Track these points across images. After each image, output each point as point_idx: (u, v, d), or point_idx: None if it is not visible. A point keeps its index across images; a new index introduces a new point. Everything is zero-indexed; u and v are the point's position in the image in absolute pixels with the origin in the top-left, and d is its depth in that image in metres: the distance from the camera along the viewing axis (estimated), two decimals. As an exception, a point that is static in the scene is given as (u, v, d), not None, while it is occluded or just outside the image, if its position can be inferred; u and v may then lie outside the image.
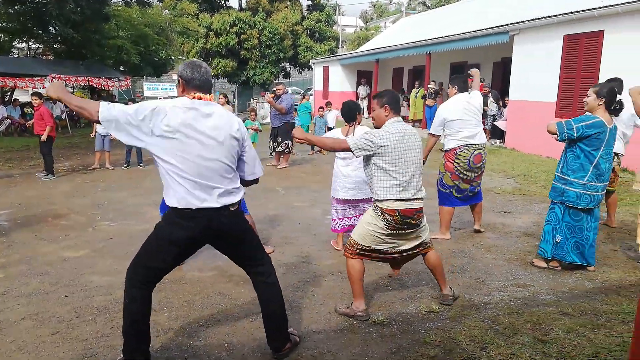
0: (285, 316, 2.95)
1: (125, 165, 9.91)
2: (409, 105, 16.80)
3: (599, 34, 9.31)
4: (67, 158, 11.22)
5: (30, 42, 20.15)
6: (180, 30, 25.46)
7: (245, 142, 2.77)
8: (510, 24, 11.59)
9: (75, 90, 23.40)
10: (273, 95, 9.75)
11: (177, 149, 2.49)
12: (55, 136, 9.09)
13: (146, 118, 2.45)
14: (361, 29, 45.22)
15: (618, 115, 4.21)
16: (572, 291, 3.83)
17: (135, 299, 2.68)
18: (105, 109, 2.43)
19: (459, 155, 5.00)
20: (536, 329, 3.16)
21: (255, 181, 2.93)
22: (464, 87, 5.14)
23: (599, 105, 3.99)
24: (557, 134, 4.03)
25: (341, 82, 22.03)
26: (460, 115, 4.97)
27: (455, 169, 5.03)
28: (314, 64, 24.96)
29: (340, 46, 36.40)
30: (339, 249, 4.85)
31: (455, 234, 5.41)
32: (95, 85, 18.19)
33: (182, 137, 2.49)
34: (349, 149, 3.26)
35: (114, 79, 18.78)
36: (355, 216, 4.75)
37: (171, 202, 2.56)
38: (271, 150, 10.23)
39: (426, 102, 15.10)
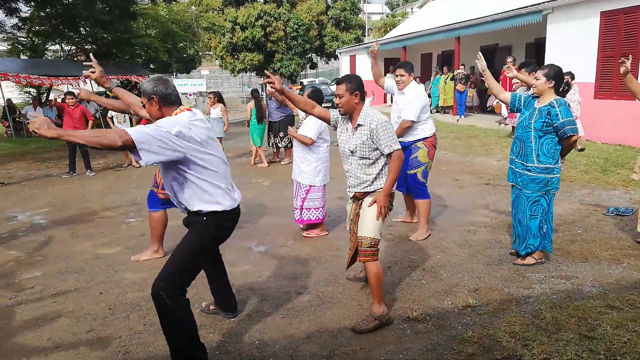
0: None
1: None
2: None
3: (638, 9, 8.79)
4: (101, 156, 11.46)
5: (62, 44, 20.67)
6: (206, 26, 25.62)
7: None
8: (544, 2, 11.11)
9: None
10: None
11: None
12: None
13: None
14: (387, 16, 44.45)
15: (565, 97, 3.98)
16: (619, 282, 3.62)
17: (188, 314, 2.62)
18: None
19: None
20: (582, 325, 2.99)
21: None
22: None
23: (549, 87, 3.84)
24: (577, 134, 3.80)
25: (368, 71, 21.71)
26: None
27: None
28: (340, 53, 24.72)
29: (366, 34, 35.92)
30: (324, 234, 5.08)
31: (490, 223, 5.23)
32: (129, 80, 18.58)
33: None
34: (402, 152, 3.15)
35: (145, 77, 19.10)
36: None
37: (221, 207, 2.68)
38: (273, 146, 9.67)
39: (457, 88, 14.71)
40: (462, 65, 14.97)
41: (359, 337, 3.03)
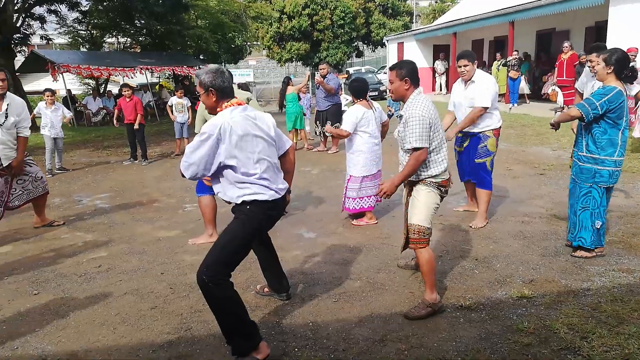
0: None
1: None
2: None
3: None
4: (157, 144, 11.92)
5: (119, 37, 21.54)
6: (254, 16, 25.91)
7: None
8: (607, -17, 10.52)
9: (160, 79, 24.79)
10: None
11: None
12: (145, 123, 9.66)
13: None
14: (436, 2, 43.36)
15: (632, 83, 3.76)
16: (687, 278, 3.45)
17: (233, 296, 2.71)
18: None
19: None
20: (645, 319, 2.89)
21: None
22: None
23: (607, 73, 3.66)
24: (582, 116, 3.64)
25: (417, 58, 21.33)
26: None
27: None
28: (387, 41, 24.37)
29: (414, 21, 35.20)
30: (373, 222, 5.11)
31: (545, 214, 5.08)
32: (179, 73, 19.16)
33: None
34: (425, 155, 3.05)
35: (195, 67, 19.62)
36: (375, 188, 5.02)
37: (263, 197, 2.74)
38: (320, 135, 9.74)
39: (509, 75, 14.20)
40: (516, 51, 14.43)
41: (411, 323, 3.06)
